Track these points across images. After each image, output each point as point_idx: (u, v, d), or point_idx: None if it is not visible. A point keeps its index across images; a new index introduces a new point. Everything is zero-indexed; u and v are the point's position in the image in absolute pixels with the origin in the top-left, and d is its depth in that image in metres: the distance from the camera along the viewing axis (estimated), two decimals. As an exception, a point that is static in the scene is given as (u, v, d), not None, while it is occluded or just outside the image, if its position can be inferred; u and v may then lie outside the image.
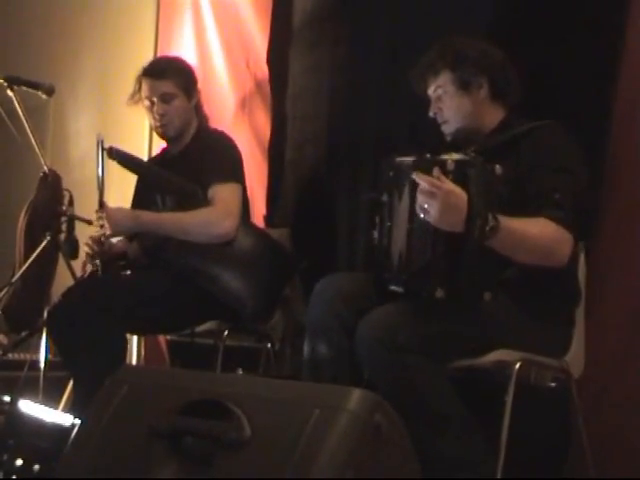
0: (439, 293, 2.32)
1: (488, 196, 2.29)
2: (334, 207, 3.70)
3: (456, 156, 2.35)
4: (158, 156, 3.55)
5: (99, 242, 3.09)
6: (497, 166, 2.32)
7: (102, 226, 3.05)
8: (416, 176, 2.29)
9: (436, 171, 2.27)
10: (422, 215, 2.29)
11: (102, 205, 3.06)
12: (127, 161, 3.19)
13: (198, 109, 3.37)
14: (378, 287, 2.56)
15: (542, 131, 2.58)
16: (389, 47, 3.51)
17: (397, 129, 3.46)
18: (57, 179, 3.37)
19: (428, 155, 2.42)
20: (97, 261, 3.11)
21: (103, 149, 3.05)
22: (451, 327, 2.42)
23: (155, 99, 3.25)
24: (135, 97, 3.31)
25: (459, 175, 2.29)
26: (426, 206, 2.27)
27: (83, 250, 3.19)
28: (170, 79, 3.26)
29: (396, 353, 2.34)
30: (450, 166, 2.29)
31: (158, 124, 3.28)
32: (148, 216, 3.17)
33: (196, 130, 3.34)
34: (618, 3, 2.96)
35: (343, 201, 3.65)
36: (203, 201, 3.12)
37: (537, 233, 2.41)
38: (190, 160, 3.26)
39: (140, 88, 3.29)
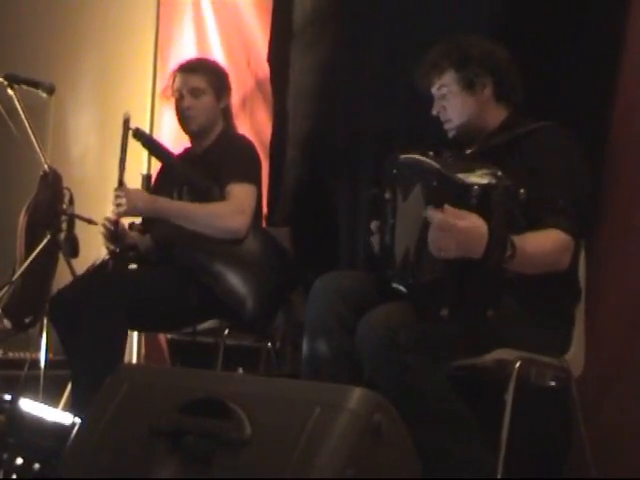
0: (443, 312, 2.28)
1: (509, 223, 2.24)
2: (335, 206, 3.70)
3: (482, 178, 2.25)
4: (180, 155, 3.57)
5: (115, 222, 3.11)
6: (521, 190, 2.24)
7: (119, 205, 3.07)
8: (429, 212, 2.23)
9: (447, 207, 2.20)
10: (438, 254, 2.23)
11: (121, 184, 3.09)
12: (150, 144, 3.24)
13: (226, 114, 3.42)
14: (380, 284, 2.56)
15: (544, 133, 2.58)
16: (389, 46, 3.51)
17: (397, 128, 3.46)
18: (57, 178, 3.37)
19: (431, 153, 2.41)
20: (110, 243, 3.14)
21: (129, 129, 3.08)
22: (452, 326, 2.41)
23: (185, 92, 3.31)
24: (167, 92, 3.39)
25: (483, 201, 2.21)
26: (439, 245, 2.22)
27: (99, 231, 3.20)
28: (203, 75, 3.33)
29: (397, 352, 2.33)
30: (475, 192, 2.20)
31: (183, 115, 3.32)
32: (163, 202, 3.20)
33: (220, 133, 3.37)
34: (619, 2, 2.97)
35: (344, 200, 3.65)
36: (217, 198, 3.16)
37: (548, 250, 2.41)
38: (210, 161, 3.29)
39: (174, 83, 3.35)
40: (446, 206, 2.20)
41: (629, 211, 2.94)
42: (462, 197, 2.21)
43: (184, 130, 3.40)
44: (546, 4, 3.08)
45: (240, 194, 3.16)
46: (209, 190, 3.16)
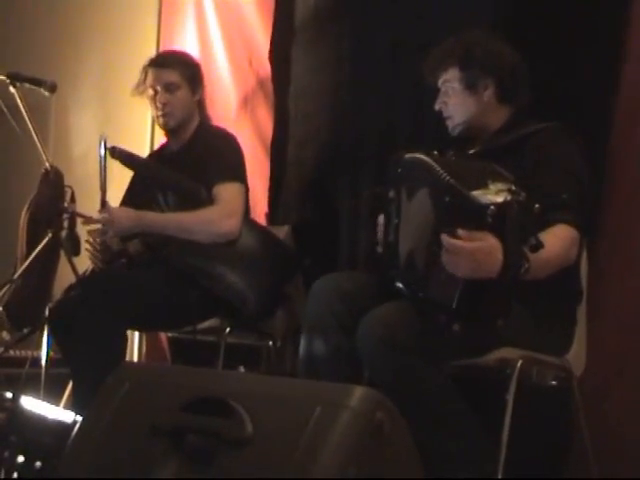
0: (455, 327, 2.25)
1: (524, 239, 2.18)
2: (336, 205, 3.70)
3: (497, 196, 2.16)
4: (157, 152, 3.55)
5: (99, 241, 3.10)
6: (537, 205, 2.18)
7: (104, 225, 3.06)
8: (442, 238, 2.18)
9: (460, 231, 2.16)
10: (452, 272, 2.20)
11: (104, 205, 3.06)
12: (130, 160, 3.20)
13: (201, 106, 3.37)
14: (380, 284, 2.56)
15: (546, 133, 2.58)
16: (392, 45, 3.51)
17: (400, 127, 3.46)
18: (59, 176, 3.37)
19: (435, 152, 2.40)
20: (98, 260, 3.12)
21: (106, 149, 3.05)
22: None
23: (159, 88, 3.27)
24: (140, 88, 3.32)
25: (499, 220, 2.14)
26: (453, 267, 2.19)
27: (84, 247, 3.19)
28: (175, 69, 3.28)
29: (397, 352, 2.33)
30: (491, 212, 2.13)
31: (160, 113, 3.28)
32: (151, 216, 3.17)
33: (197, 127, 3.34)
34: (620, 2, 2.97)
35: (345, 199, 3.65)
36: (206, 200, 3.12)
37: (558, 251, 2.38)
38: (191, 157, 3.25)
39: (146, 78, 3.30)
40: (460, 231, 2.15)
41: (630, 211, 2.94)
42: (477, 217, 2.15)
43: (162, 127, 3.37)
44: (547, 5, 3.08)
45: (228, 195, 3.14)
46: (196, 193, 3.13)
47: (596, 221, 2.88)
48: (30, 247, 3.30)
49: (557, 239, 2.39)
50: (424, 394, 2.37)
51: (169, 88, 3.26)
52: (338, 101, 3.73)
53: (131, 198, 3.40)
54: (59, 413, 2.55)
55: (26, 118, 3.23)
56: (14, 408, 2.45)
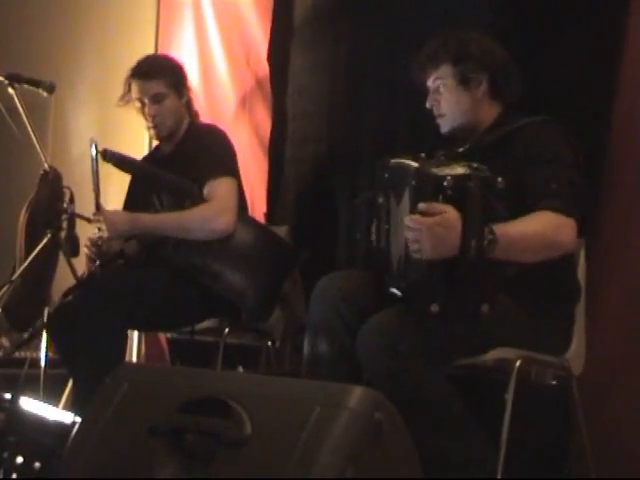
0: (434, 308, 2.27)
1: (485, 211, 2.23)
2: (334, 204, 3.70)
3: (457, 169, 2.26)
4: (150, 155, 3.55)
5: (97, 244, 3.09)
6: (499, 179, 2.25)
7: (100, 229, 3.05)
8: (405, 218, 2.27)
9: (420, 204, 2.23)
10: (417, 255, 2.26)
11: (99, 208, 3.06)
12: (122, 162, 3.18)
13: (189, 106, 3.35)
14: (380, 288, 2.56)
15: (535, 126, 2.58)
16: (390, 45, 3.51)
17: (398, 127, 3.46)
18: (58, 177, 3.37)
19: (423, 154, 2.41)
20: (96, 263, 3.12)
21: (97, 152, 3.04)
22: (452, 329, 2.40)
23: (146, 100, 3.23)
24: (125, 98, 3.29)
25: (457, 191, 2.22)
26: (417, 246, 2.25)
27: (83, 251, 3.19)
28: (160, 79, 3.23)
29: (397, 359, 2.32)
30: (449, 183, 2.22)
31: (151, 125, 3.27)
32: (146, 218, 3.16)
33: (187, 127, 3.33)
34: (619, 2, 2.97)
35: (343, 198, 3.65)
36: (199, 198, 3.12)
37: (536, 229, 2.38)
38: (183, 157, 3.25)
39: (130, 89, 3.27)
40: (420, 205, 2.22)
41: (629, 211, 2.94)
42: (438, 190, 2.23)
43: (155, 138, 3.37)
44: (546, 4, 3.09)
45: (221, 191, 3.12)
46: (190, 191, 3.12)
47: (595, 221, 2.88)
48: (29, 248, 3.29)
49: (535, 220, 2.39)
50: (423, 398, 2.36)
51: (156, 99, 3.23)
52: (336, 100, 3.74)
53: (129, 203, 3.40)
54: (58, 414, 2.55)
55: (25, 119, 3.22)
56: (13, 409, 2.45)
